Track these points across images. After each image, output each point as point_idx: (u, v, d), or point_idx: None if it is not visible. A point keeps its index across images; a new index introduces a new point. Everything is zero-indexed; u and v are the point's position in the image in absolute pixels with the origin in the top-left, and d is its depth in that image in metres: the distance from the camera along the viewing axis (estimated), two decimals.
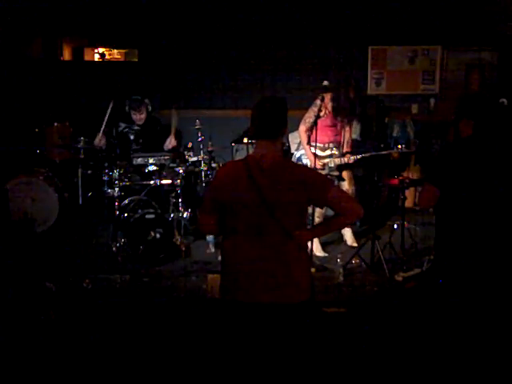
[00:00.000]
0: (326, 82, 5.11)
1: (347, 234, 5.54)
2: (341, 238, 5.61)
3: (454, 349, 3.00)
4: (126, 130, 5.92)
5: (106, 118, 5.74)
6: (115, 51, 9.11)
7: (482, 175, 2.91)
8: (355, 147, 5.67)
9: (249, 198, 2.45)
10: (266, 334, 2.46)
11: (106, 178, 5.45)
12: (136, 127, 5.88)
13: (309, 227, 2.72)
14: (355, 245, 5.42)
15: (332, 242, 5.64)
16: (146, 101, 5.89)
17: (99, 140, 5.77)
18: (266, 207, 2.43)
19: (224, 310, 2.57)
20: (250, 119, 2.55)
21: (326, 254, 5.35)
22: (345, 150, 5.37)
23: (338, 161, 5.27)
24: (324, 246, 5.49)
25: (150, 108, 5.94)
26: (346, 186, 5.29)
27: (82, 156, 6.02)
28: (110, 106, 5.76)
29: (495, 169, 2.92)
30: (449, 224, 3.03)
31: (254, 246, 2.47)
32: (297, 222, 2.51)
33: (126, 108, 5.89)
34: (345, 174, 5.34)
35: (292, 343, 2.49)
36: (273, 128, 2.51)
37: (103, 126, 5.75)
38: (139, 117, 5.85)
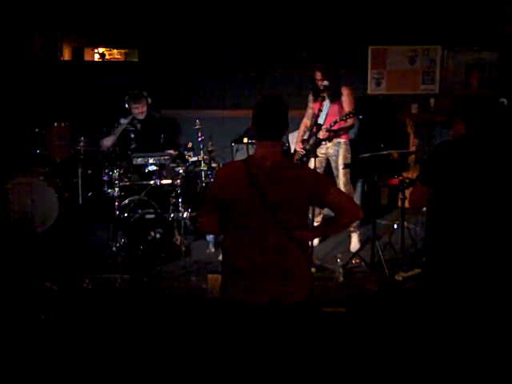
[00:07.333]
0: (326, 82, 5.12)
1: (353, 238, 5.48)
2: (342, 238, 5.59)
3: (453, 348, 3.00)
4: (128, 127, 5.94)
5: (121, 129, 5.92)
6: (115, 51, 9.11)
7: (475, 174, 2.91)
8: (355, 147, 5.66)
9: (250, 197, 2.44)
10: (266, 333, 2.46)
11: (106, 177, 5.46)
12: (137, 124, 5.93)
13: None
14: (354, 250, 5.38)
15: (332, 242, 5.64)
16: (145, 93, 5.93)
17: (107, 141, 5.87)
18: (267, 207, 2.42)
19: (224, 310, 2.56)
20: (251, 119, 2.52)
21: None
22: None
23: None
24: (324, 245, 5.48)
25: (149, 100, 5.98)
26: (341, 186, 5.24)
27: (82, 156, 6.03)
28: (126, 120, 5.93)
29: (489, 167, 2.91)
30: (441, 224, 3.02)
31: (255, 246, 2.46)
32: (298, 222, 2.51)
33: (126, 105, 5.91)
34: (341, 174, 5.31)
35: (292, 343, 2.48)
36: (277, 129, 2.50)
37: (117, 133, 5.90)
38: (141, 110, 5.90)
